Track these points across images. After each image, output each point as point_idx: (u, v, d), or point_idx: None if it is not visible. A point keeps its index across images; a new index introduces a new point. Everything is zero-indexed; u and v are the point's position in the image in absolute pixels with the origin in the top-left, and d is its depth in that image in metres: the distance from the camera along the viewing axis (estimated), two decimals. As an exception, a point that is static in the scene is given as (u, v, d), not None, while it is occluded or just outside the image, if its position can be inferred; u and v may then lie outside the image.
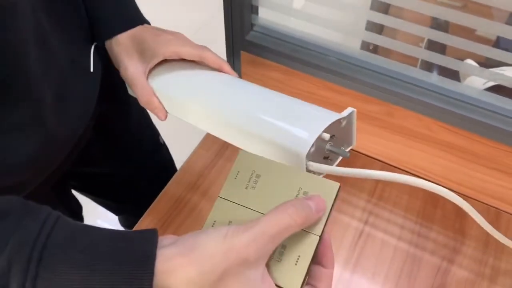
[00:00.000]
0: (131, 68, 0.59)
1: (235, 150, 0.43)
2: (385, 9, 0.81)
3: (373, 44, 0.72)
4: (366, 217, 0.77)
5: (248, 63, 0.85)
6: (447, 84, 0.70)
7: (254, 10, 0.77)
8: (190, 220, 0.76)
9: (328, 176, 0.46)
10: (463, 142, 0.73)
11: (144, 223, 0.76)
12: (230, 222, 0.38)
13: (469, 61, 0.81)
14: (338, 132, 0.51)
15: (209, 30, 1.91)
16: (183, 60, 0.61)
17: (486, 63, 0.73)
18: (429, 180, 0.42)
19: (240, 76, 0.85)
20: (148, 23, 0.64)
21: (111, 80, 0.66)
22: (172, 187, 0.80)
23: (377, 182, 0.81)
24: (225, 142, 0.57)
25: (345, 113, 0.50)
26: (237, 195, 0.39)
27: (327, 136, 0.47)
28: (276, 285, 0.36)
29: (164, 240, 0.34)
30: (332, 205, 0.37)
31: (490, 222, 0.53)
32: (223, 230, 0.33)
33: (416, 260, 0.72)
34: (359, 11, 0.71)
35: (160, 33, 0.61)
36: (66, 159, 0.65)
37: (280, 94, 0.56)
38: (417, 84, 0.71)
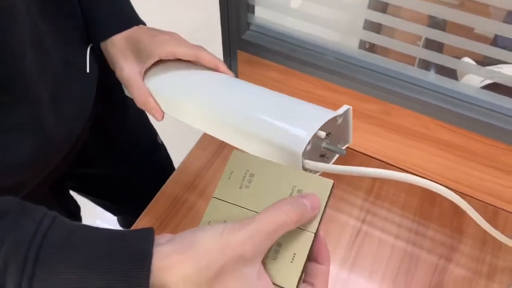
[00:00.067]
0: (127, 69, 0.59)
1: (232, 150, 0.43)
2: (383, 8, 0.81)
3: (370, 43, 0.72)
4: (364, 215, 0.77)
5: (245, 63, 0.85)
6: (445, 82, 0.70)
7: (251, 9, 0.77)
8: (188, 220, 0.76)
9: (325, 174, 0.46)
10: (460, 140, 0.73)
11: (141, 223, 0.76)
12: (225, 222, 0.38)
13: (467, 59, 0.81)
14: (334, 130, 0.51)
15: (206, 30, 1.91)
16: (179, 60, 0.61)
17: (484, 61, 0.73)
18: (426, 178, 0.42)
19: (237, 76, 0.85)
20: (144, 23, 0.64)
21: (108, 81, 0.66)
22: (169, 187, 0.80)
23: (374, 180, 0.81)
24: (222, 142, 0.57)
25: (340, 110, 0.50)
26: (231, 195, 0.39)
27: (323, 134, 0.47)
28: (273, 283, 0.36)
29: (160, 238, 0.34)
30: (327, 203, 0.37)
31: (488, 220, 0.53)
32: (219, 227, 0.34)
33: (414, 258, 0.72)
34: (357, 10, 0.71)
35: (156, 33, 0.61)
36: (64, 159, 0.65)
37: (276, 93, 0.56)
38: (415, 82, 0.71)
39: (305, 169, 0.48)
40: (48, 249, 0.32)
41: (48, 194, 0.76)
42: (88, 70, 0.62)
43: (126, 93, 0.64)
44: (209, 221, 0.39)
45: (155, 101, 0.60)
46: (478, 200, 0.80)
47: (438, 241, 0.74)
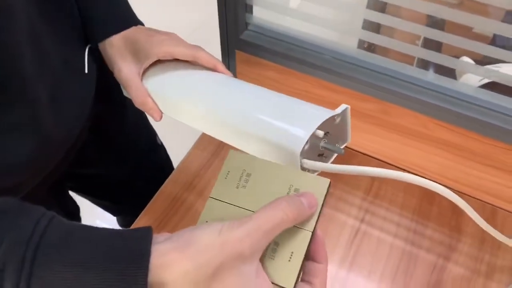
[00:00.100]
0: (125, 70, 0.59)
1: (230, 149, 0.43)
2: (382, 7, 0.81)
3: (368, 42, 0.72)
4: (362, 215, 0.77)
5: (244, 63, 0.85)
6: (443, 82, 0.70)
7: (249, 9, 0.77)
8: (186, 220, 0.76)
9: (323, 173, 0.46)
10: (459, 139, 0.73)
11: (140, 222, 0.76)
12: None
13: (465, 59, 0.82)
14: (333, 129, 0.51)
15: (204, 30, 1.91)
16: (177, 60, 0.61)
17: (483, 60, 0.73)
18: (425, 178, 0.42)
19: (235, 76, 0.85)
20: (142, 23, 0.64)
21: (106, 81, 0.66)
22: (168, 187, 0.80)
23: (373, 180, 0.81)
24: (221, 142, 0.57)
25: (339, 110, 0.50)
26: (228, 195, 0.39)
27: (321, 133, 0.47)
28: (271, 282, 0.36)
29: (158, 237, 0.34)
30: (323, 201, 0.37)
31: (486, 219, 0.53)
32: (217, 225, 0.34)
33: (412, 258, 0.72)
34: (356, 10, 0.71)
35: (153, 33, 0.61)
36: (63, 160, 0.65)
37: (274, 92, 0.55)
38: (414, 82, 0.71)
39: (303, 168, 0.48)
40: (46, 249, 0.32)
41: (48, 195, 0.76)
42: (86, 71, 0.62)
43: (125, 93, 0.64)
44: (206, 221, 0.39)
45: (153, 101, 0.60)
46: (477, 199, 0.80)
47: (437, 240, 0.74)
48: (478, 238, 0.74)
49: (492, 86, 0.69)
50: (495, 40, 0.86)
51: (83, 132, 0.69)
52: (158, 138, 0.96)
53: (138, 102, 0.60)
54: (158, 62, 0.61)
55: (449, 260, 0.72)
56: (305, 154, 0.48)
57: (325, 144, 0.50)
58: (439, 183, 0.43)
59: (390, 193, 0.80)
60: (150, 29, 0.62)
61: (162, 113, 0.60)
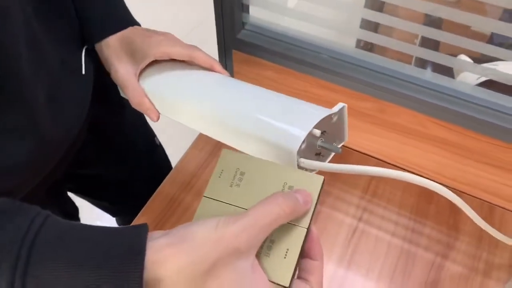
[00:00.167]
0: (122, 70, 0.59)
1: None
2: (379, 7, 0.81)
3: (365, 41, 0.72)
4: (360, 213, 0.77)
5: (241, 62, 0.85)
6: (441, 80, 0.70)
7: (245, 8, 0.77)
8: (184, 220, 0.76)
9: (321, 172, 0.46)
10: (456, 138, 0.73)
11: (138, 222, 0.75)
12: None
13: (462, 57, 0.82)
14: (330, 128, 0.51)
15: (201, 30, 1.91)
16: (173, 60, 0.61)
17: (481, 58, 0.73)
18: (423, 176, 0.42)
19: (232, 75, 0.85)
20: (138, 24, 0.64)
21: (104, 82, 0.66)
22: (166, 187, 0.80)
23: (371, 178, 0.82)
24: (218, 142, 0.57)
25: (335, 108, 0.50)
26: (222, 194, 0.39)
27: (318, 132, 0.47)
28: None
29: (154, 233, 0.34)
30: (318, 198, 0.37)
31: (484, 217, 0.53)
32: (213, 221, 0.34)
33: (410, 256, 0.72)
34: (354, 9, 0.71)
35: (150, 34, 0.60)
36: (61, 161, 0.65)
37: (271, 91, 0.55)
38: (411, 81, 0.71)
39: (300, 167, 0.48)
40: (40, 247, 0.32)
41: (46, 196, 0.76)
42: (83, 72, 0.62)
43: (122, 94, 0.64)
44: None
45: (150, 101, 0.60)
46: (474, 197, 0.80)
47: (435, 239, 0.74)
48: (476, 236, 0.74)
49: (489, 84, 0.69)
50: (492, 38, 0.86)
51: (81, 132, 0.69)
52: (157, 138, 0.95)
53: (135, 103, 0.60)
54: (154, 62, 0.61)
55: (447, 258, 0.72)
56: (302, 153, 0.48)
57: (322, 143, 0.50)
58: (437, 182, 0.43)
59: (388, 191, 0.80)
60: (146, 30, 0.62)
61: (159, 113, 0.60)
